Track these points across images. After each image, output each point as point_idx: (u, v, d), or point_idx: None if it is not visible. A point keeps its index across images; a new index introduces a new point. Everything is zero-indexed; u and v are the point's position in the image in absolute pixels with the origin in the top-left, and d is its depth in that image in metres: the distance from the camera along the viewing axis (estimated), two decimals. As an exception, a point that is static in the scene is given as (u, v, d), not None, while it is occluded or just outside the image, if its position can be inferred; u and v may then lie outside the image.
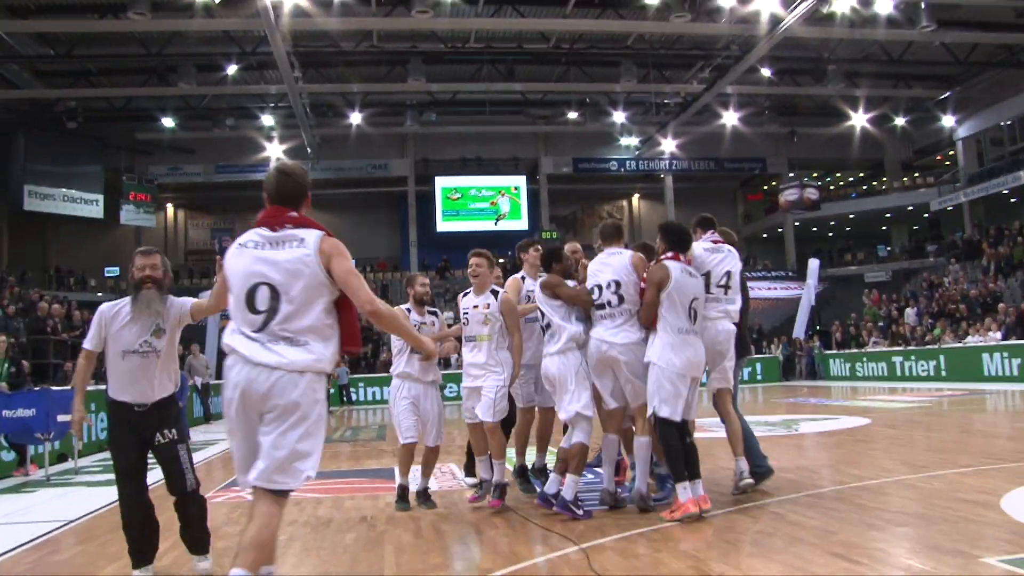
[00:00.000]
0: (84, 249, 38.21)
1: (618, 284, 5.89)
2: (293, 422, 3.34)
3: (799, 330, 30.61)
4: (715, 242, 6.52)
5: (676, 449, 5.47)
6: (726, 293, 6.34)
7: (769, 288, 37.12)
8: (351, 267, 3.60)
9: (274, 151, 36.88)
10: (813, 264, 31.05)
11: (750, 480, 6.07)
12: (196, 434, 16.39)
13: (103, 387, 13.14)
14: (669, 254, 5.92)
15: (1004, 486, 5.82)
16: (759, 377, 28.91)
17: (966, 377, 21.15)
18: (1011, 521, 4.77)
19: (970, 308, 25.94)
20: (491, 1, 26.23)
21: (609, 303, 5.88)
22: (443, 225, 39.52)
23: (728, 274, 6.35)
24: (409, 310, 6.71)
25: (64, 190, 34.62)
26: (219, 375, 24.43)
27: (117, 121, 34.55)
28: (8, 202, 33.90)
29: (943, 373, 22.54)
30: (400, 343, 6.49)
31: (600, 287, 5.93)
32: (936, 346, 23.88)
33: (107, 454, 11.61)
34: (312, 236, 3.57)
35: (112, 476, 4.61)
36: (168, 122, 33.72)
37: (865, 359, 26.40)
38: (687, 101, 33.08)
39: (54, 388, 10.75)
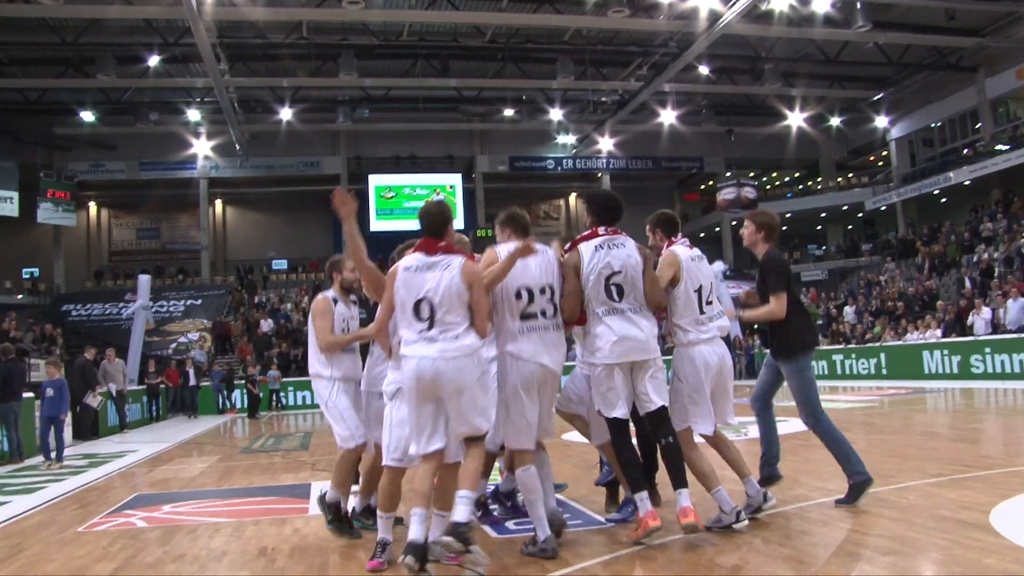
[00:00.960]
0: (1, 249, 36.38)
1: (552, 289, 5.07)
2: None
3: (735, 328, 30.35)
4: (690, 246, 5.62)
5: (628, 457, 4.98)
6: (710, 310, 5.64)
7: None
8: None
9: (201, 147, 35.74)
10: (717, 267, 30.91)
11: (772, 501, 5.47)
12: (109, 444, 15.39)
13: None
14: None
15: (987, 499, 5.27)
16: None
17: (907, 375, 21.10)
18: (1010, 546, 4.20)
19: (908, 306, 25.96)
20: (425, -7, 25.55)
21: (543, 312, 4.97)
22: (377, 224, 38.50)
23: (712, 287, 5.62)
24: (335, 300, 5.75)
25: (-25, 186, 32.84)
26: (141, 380, 23.69)
27: (32, 114, 32.84)
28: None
29: (884, 371, 22.45)
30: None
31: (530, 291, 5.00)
32: (878, 344, 23.77)
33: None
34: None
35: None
36: (88, 116, 32.26)
37: (804, 358, 26.22)
38: (624, 99, 32.74)
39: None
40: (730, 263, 37.54)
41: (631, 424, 5.19)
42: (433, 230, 4.77)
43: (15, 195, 33.88)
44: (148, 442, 15.40)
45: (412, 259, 4.72)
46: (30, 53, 28.46)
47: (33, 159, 34.75)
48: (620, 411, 4.95)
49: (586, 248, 5.10)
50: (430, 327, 4.54)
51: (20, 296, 35.04)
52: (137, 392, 21.63)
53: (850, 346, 24.88)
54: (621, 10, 24.55)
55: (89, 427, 16.55)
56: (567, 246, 5.30)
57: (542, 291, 4.97)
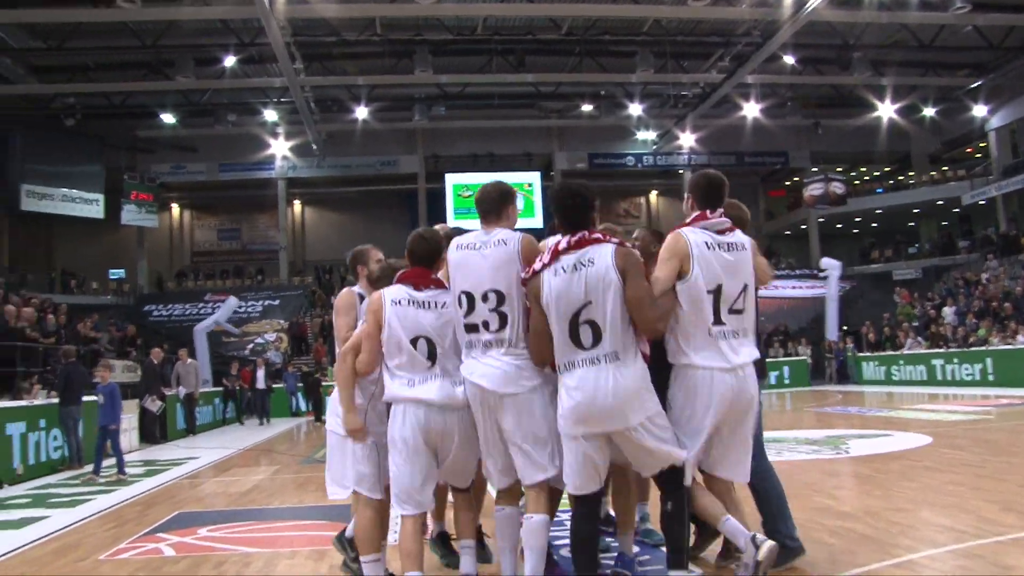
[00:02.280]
0: (89, 250, 37.29)
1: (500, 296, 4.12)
2: None
3: (831, 331, 29.08)
4: (722, 231, 4.24)
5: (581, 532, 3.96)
6: (742, 321, 4.21)
7: (793, 287, 35.59)
8: None
9: (279, 148, 35.89)
10: (832, 265, 29.63)
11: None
12: (174, 449, 15.18)
13: (53, 400, 12.05)
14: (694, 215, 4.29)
15: None
16: (786, 381, 27.37)
17: (1017, 382, 19.36)
18: None
19: (1016, 306, 24.29)
20: (499, -14, 24.98)
21: (486, 324, 4.11)
22: (454, 223, 38.03)
23: (744, 288, 4.21)
24: (361, 296, 4.90)
25: (63, 190, 33.51)
26: (217, 382, 23.68)
27: (116, 118, 33.38)
28: (6, 202, 32.92)
29: (990, 377, 20.82)
30: None
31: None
32: (983, 348, 22.23)
33: (42, 481, 10.72)
34: None
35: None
36: (168, 118, 32.60)
37: (902, 362, 24.74)
38: (706, 92, 31.63)
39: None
40: (817, 262, 36.05)
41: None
42: (425, 260, 4.34)
43: (101, 198, 34.52)
44: (212, 448, 15.16)
45: (400, 291, 4.28)
46: (113, 57, 28.82)
47: (117, 162, 35.34)
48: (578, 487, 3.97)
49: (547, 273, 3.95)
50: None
51: (108, 297, 35.78)
52: (209, 394, 21.55)
53: (951, 349, 23.36)
54: (702, -2, 23.61)
55: (156, 430, 16.38)
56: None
57: (484, 297, 4.08)
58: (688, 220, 4.25)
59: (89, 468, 11.59)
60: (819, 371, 28.50)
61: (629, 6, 25.62)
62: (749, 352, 4.15)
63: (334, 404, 4.55)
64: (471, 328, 4.10)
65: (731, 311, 4.11)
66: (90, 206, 34.31)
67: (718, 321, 4.07)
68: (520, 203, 40.71)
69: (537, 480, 4.05)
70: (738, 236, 4.25)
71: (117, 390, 11.42)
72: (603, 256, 3.86)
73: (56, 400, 11.92)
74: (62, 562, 5.75)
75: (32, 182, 32.49)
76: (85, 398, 12.52)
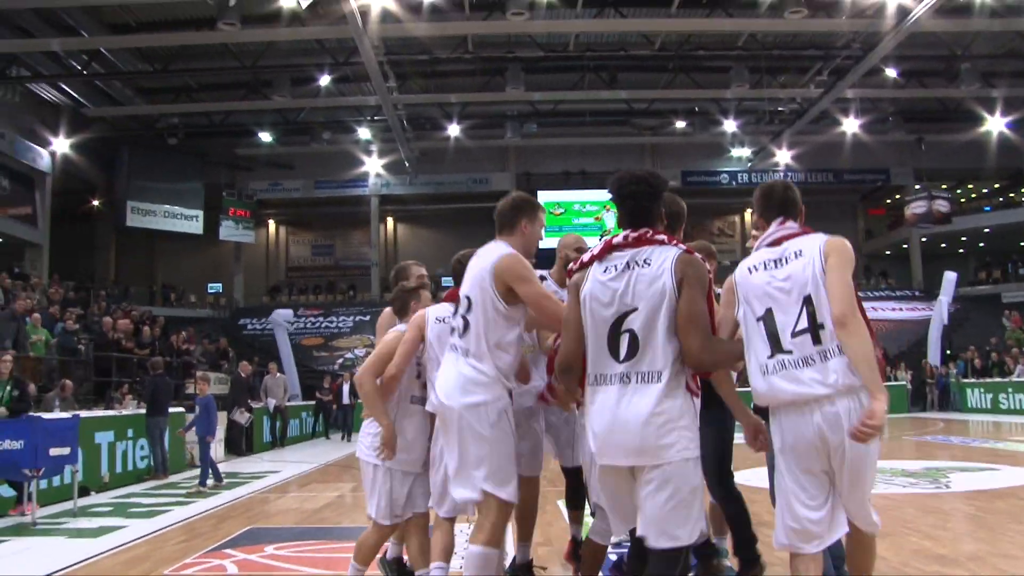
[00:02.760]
0: (188, 265, 38.49)
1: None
2: None
3: (933, 355, 27.80)
4: (778, 241, 3.58)
5: None
6: (816, 339, 3.33)
7: (894, 309, 34.28)
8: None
9: (373, 166, 36.42)
10: (949, 277, 28.21)
11: None
12: (258, 462, 15.33)
13: (141, 411, 12.28)
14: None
15: None
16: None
17: None
18: None
19: None
20: (590, 3, 24.77)
21: (455, 328, 4.05)
22: (546, 241, 37.52)
23: (807, 300, 3.38)
24: None
25: (165, 206, 34.72)
26: (306, 395, 23.96)
27: (217, 136, 34.45)
28: (113, 219, 34.29)
29: (1106, 408, 19.59)
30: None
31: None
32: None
33: (127, 490, 10.93)
34: None
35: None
36: (266, 136, 33.45)
37: (1011, 390, 23.39)
38: (803, 108, 30.78)
39: (45, 416, 9.58)
40: (919, 283, 34.70)
41: None
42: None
43: (200, 214, 35.63)
44: (296, 462, 15.25)
45: (444, 310, 4.35)
46: (214, 78, 29.79)
47: (217, 179, 36.45)
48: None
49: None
50: None
51: (205, 310, 36.86)
52: (296, 408, 21.79)
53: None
54: (799, 10, 22.86)
55: (241, 442, 16.60)
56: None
57: (461, 301, 4.04)
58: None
59: (176, 477, 11.83)
60: (919, 397, 27.24)
61: (723, 20, 25.12)
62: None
63: (363, 431, 4.56)
64: (452, 331, 4.06)
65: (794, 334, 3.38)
66: (190, 222, 35.43)
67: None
68: (612, 220, 40.42)
69: (444, 509, 4.12)
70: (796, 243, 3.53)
71: (213, 402, 11.64)
72: (662, 259, 3.31)
73: (144, 411, 12.15)
74: (132, 572, 5.73)
75: (137, 199, 33.79)
76: (173, 409, 12.79)
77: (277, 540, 6.88)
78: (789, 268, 3.43)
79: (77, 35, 24.66)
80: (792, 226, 3.61)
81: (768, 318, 3.40)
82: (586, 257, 3.49)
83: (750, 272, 3.54)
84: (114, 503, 9.62)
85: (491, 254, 4.01)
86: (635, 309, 3.29)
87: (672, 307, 3.26)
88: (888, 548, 5.73)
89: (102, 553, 6.60)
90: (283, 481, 11.96)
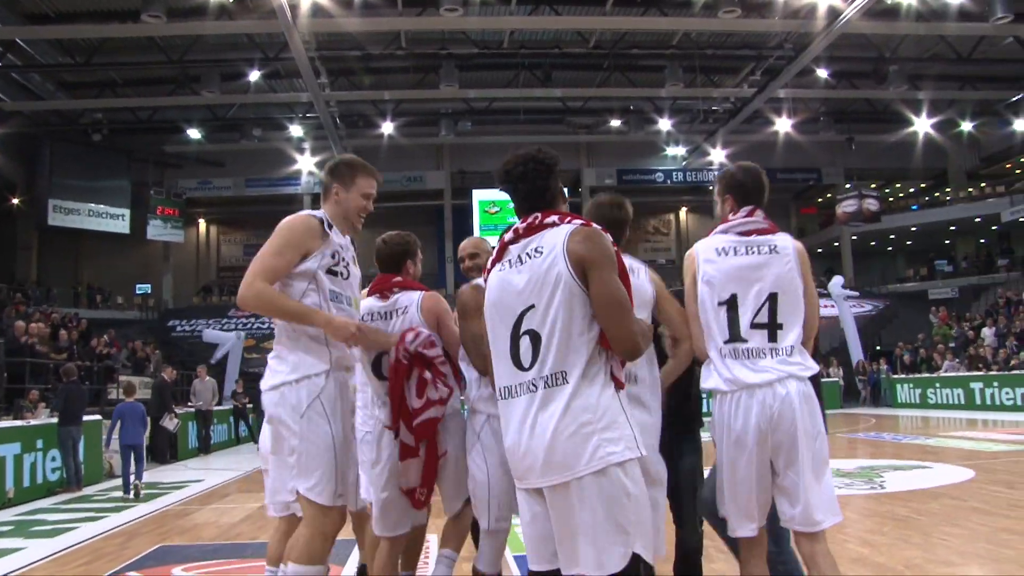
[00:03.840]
0: (116, 265, 37.32)
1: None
2: None
3: (855, 351, 28.21)
4: (748, 232, 3.51)
5: None
6: (772, 337, 3.39)
7: (825, 306, 34.72)
8: None
9: (305, 163, 35.72)
10: (835, 282, 28.93)
11: None
12: (180, 471, 14.81)
13: (53, 420, 11.70)
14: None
15: None
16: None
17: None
18: None
19: (1060, 329, 23.41)
20: (525, 0, 24.56)
21: None
22: (491, 240, 37.71)
23: (772, 298, 3.41)
24: None
25: (90, 204, 33.63)
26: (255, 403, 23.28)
27: (143, 133, 33.58)
28: (34, 217, 33.07)
29: (1034, 404, 19.96)
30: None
31: None
32: (1026, 372, 21.29)
33: (34, 505, 10.31)
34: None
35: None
36: (195, 133, 32.60)
37: (938, 385, 23.81)
38: (737, 107, 31.06)
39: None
40: (850, 280, 35.23)
41: None
42: (387, 265, 4.20)
43: (127, 212, 34.63)
44: (220, 469, 14.77)
45: (369, 305, 4.12)
46: (140, 73, 28.94)
47: (144, 177, 35.40)
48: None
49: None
50: None
51: (133, 312, 35.80)
52: (223, 412, 21.18)
53: (991, 373, 22.45)
54: (732, 10, 23.05)
55: (167, 449, 16.04)
56: None
57: None
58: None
59: (90, 490, 11.35)
60: (851, 393, 27.64)
61: (658, 19, 25.11)
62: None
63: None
64: None
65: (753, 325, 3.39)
66: (116, 221, 34.41)
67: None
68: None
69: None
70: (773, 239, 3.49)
71: (141, 408, 11.36)
72: (552, 243, 2.81)
73: (55, 420, 11.58)
74: None
75: (60, 197, 32.66)
76: (90, 417, 12.26)
77: (186, 560, 6.48)
78: (762, 261, 3.40)
79: (-10, 25, 23.68)
80: (761, 218, 3.53)
81: (731, 304, 3.37)
82: (488, 264, 3.04)
83: (719, 254, 3.44)
84: (16, 521, 9.05)
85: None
86: (532, 306, 2.80)
87: (571, 296, 2.75)
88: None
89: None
90: (204, 491, 11.47)
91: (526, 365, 2.79)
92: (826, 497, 3.37)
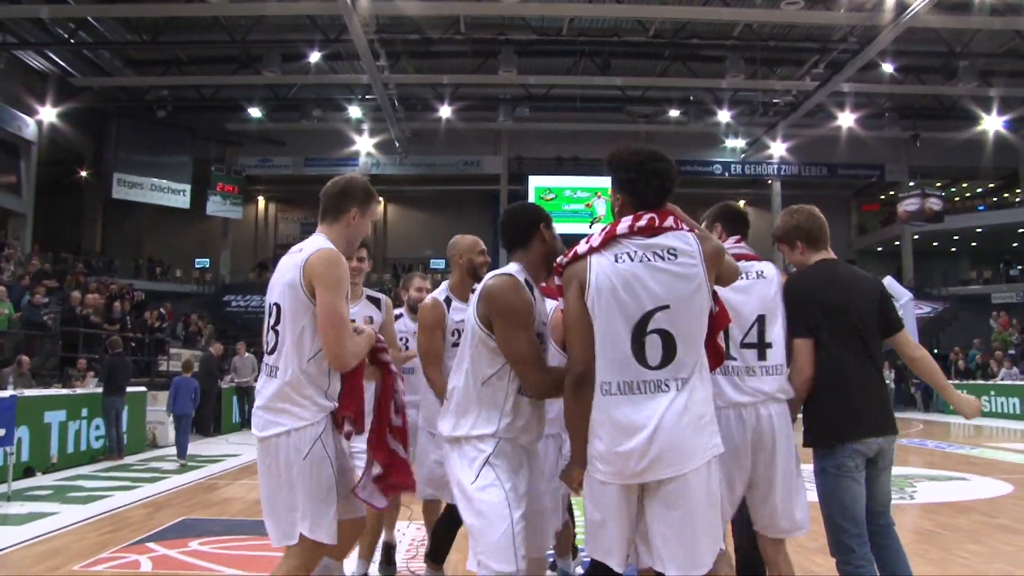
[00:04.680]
0: (176, 239, 38.12)
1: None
2: None
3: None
4: (737, 257, 3.63)
5: None
6: (762, 356, 3.64)
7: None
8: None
9: (363, 145, 36.06)
10: (888, 281, 28.08)
11: None
12: (220, 444, 15.11)
13: (99, 390, 12.04)
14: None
15: None
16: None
17: None
18: None
19: None
20: (585, -13, 24.46)
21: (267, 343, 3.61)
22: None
23: (761, 319, 3.68)
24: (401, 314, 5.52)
25: (153, 179, 34.31)
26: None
27: (206, 111, 34.11)
28: (99, 190, 33.95)
29: (1091, 415, 19.34)
30: None
31: None
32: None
33: (76, 471, 10.67)
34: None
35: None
36: (255, 112, 33.06)
37: (993, 393, 23.18)
38: (798, 100, 30.47)
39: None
40: (910, 281, 34.42)
41: None
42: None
43: (188, 188, 35.26)
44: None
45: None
46: (205, 52, 29.42)
47: (206, 154, 36.06)
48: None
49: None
50: None
51: (191, 286, 36.57)
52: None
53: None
54: (796, 2, 22.75)
55: (211, 423, 16.39)
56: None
57: (269, 310, 3.48)
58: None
59: (131, 459, 11.68)
60: (902, 397, 27.05)
61: (719, 9, 24.82)
62: None
63: None
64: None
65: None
66: (177, 196, 35.08)
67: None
68: (603, 207, 40.03)
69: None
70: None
71: (194, 383, 12.12)
72: (688, 246, 2.98)
73: (98, 388, 11.94)
74: (37, 569, 5.51)
75: (124, 171, 33.36)
76: (134, 389, 12.60)
77: (206, 534, 6.65)
78: (750, 284, 3.66)
79: (64, 3, 24.28)
80: (746, 247, 3.86)
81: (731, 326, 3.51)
82: (582, 248, 3.05)
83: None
84: (55, 486, 9.38)
85: (301, 250, 3.40)
86: (666, 306, 2.92)
87: (704, 299, 2.98)
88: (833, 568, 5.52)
89: (20, 543, 6.38)
90: (238, 466, 11.71)
91: (654, 364, 2.89)
92: (794, 509, 3.58)
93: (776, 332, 3.65)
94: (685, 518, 2.84)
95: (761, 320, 3.64)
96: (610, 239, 2.99)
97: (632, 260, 2.94)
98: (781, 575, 3.58)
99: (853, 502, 3.54)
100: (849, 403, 3.58)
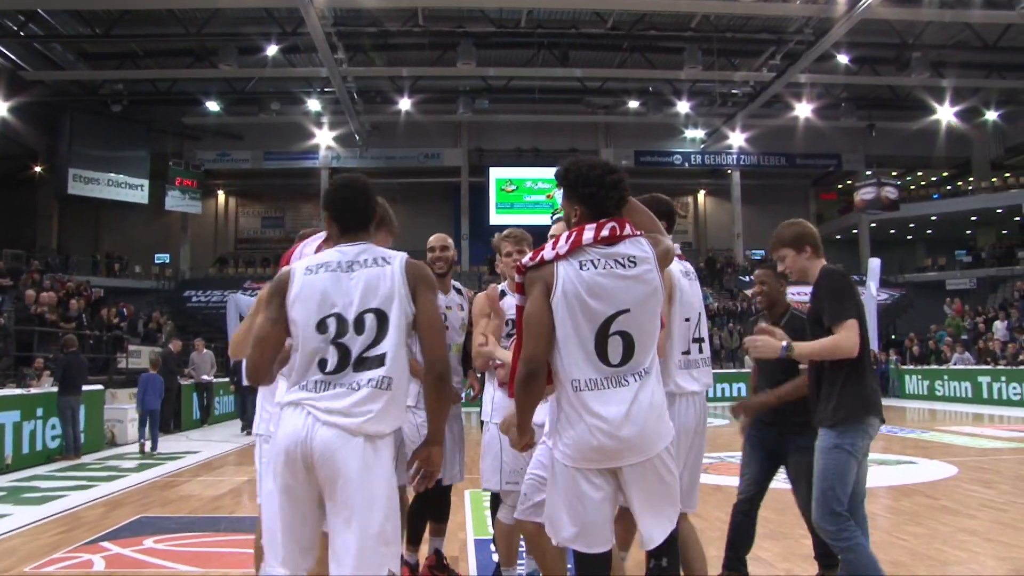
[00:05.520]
0: (135, 234, 37.68)
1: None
2: None
3: (872, 340, 28.03)
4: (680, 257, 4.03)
5: None
6: (701, 350, 4.07)
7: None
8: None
9: (323, 138, 35.86)
10: (873, 265, 28.53)
11: None
12: (180, 441, 15.03)
13: (54, 389, 11.92)
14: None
15: None
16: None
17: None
18: None
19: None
20: (543, -22, 24.50)
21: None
22: (496, 218, 37.68)
23: (700, 316, 4.10)
24: None
25: (109, 174, 33.86)
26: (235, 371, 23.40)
27: (163, 104, 33.70)
28: (55, 186, 33.43)
29: (1041, 398, 19.78)
30: None
31: None
32: (1032, 366, 21.11)
33: (31, 472, 10.55)
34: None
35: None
36: (213, 106, 32.69)
37: (946, 377, 23.62)
38: (756, 91, 30.75)
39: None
40: (866, 267, 34.94)
41: None
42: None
43: (146, 183, 34.84)
44: (220, 441, 14.95)
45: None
46: (160, 45, 29.03)
47: (163, 148, 35.60)
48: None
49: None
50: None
51: (150, 281, 36.14)
52: (224, 384, 21.32)
53: (999, 367, 22.30)
54: (752, -7, 22.95)
55: (171, 419, 16.26)
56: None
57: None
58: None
59: (88, 458, 11.59)
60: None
61: (677, 0, 24.97)
62: None
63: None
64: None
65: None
66: (135, 191, 34.67)
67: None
68: (560, 197, 39.96)
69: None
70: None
71: (160, 380, 12.96)
72: (644, 253, 3.17)
73: (53, 388, 11.82)
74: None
75: (79, 166, 32.87)
76: (92, 388, 12.49)
77: (161, 531, 6.63)
78: (695, 286, 4.09)
79: (12, -6, 23.86)
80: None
81: (688, 322, 3.95)
82: (548, 254, 3.16)
83: (685, 277, 4.01)
84: (10, 487, 9.27)
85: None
86: (627, 310, 3.11)
87: (658, 303, 3.22)
88: (780, 550, 5.66)
89: (-27, 545, 6.31)
90: (197, 463, 11.66)
91: (615, 362, 3.11)
92: (694, 488, 4.01)
93: (704, 329, 4.09)
94: (654, 494, 3.14)
95: (700, 317, 4.07)
96: (576, 248, 3.13)
97: (595, 268, 3.12)
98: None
99: (852, 481, 3.83)
100: (875, 384, 3.96)
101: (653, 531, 3.14)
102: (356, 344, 2.91)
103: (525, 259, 3.24)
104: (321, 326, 2.92)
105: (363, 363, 2.90)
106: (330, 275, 2.98)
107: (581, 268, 3.11)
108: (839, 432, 3.80)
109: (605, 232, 3.13)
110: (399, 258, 3.05)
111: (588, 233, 3.14)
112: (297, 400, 2.88)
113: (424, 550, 4.98)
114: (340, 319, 2.92)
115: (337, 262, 3.01)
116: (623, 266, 3.12)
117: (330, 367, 2.90)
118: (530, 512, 3.79)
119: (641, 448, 3.07)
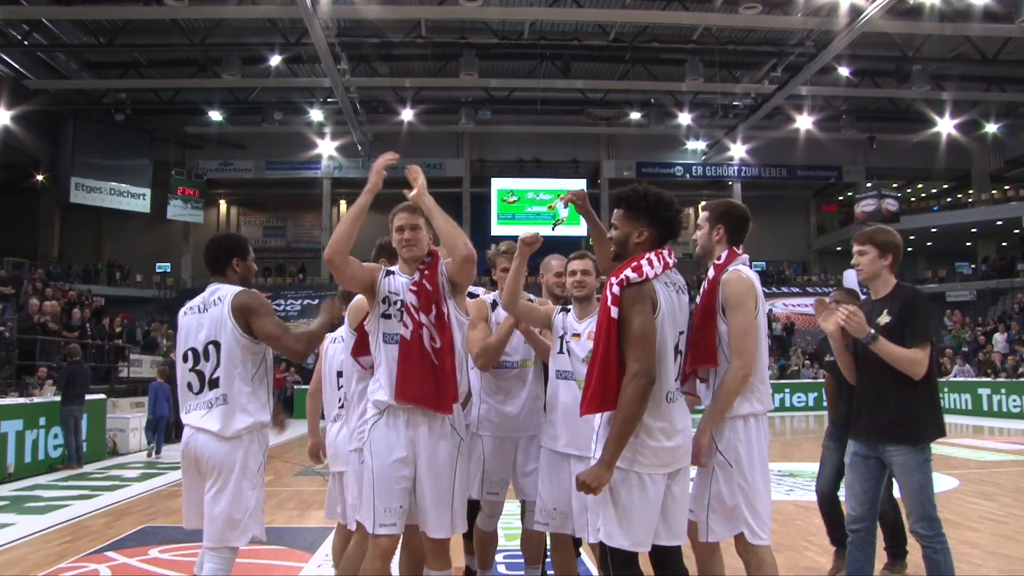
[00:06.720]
0: (137, 243, 37.76)
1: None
2: None
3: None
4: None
5: None
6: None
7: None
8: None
9: (325, 148, 35.99)
10: (848, 276, 28.62)
11: None
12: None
13: (57, 398, 11.94)
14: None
15: None
16: (824, 405, 26.39)
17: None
18: None
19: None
20: (546, -9, 24.62)
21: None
22: (498, 229, 37.76)
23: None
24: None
25: (111, 183, 33.95)
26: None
27: (165, 114, 33.77)
28: (56, 195, 33.52)
29: (1041, 411, 19.81)
30: None
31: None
32: (1033, 379, 21.16)
33: (33, 481, 10.58)
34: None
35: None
36: (216, 115, 32.77)
37: (946, 390, 23.63)
38: (757, 103, 30.86)
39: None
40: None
41: None
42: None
43: (148, 192, 34.94)
44: (225, 450, 14.93)
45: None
46: (163, 54, 29.10)
47: (166, 157, 35.73)
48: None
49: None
50: None
51: (151, 290, 36.20)
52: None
53: (999, 379, 22.31)
54: (753, 6, 23.12)
55: (173, 429, 16.26)
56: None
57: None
58: (724, 259, 3.98)
59: (90, 467, 11.61)
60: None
61: (679, 13, 25.05)
62: None
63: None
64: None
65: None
66: (137, 200, 34.75)
67: None
68: (566, 210, 40.05)
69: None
70: None
71: (167, 388, 13.47)
72: (681, 281, 3.51)
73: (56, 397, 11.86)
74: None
75: (82, 175, 32.98)
76: (95, 397, 12.51)
77: (166, 541, 6.66)
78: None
79: (16, 3, 23.93)
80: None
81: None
82: (651, 272, 3.32)
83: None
84: (12, 496, 9.30)
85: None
86: (682, 332, 3.50)
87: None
88: (783, 561, 5.66)
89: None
90: (202, 473, 11.67)
91: (676, 377, 3.45)
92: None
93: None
94: (687, 495, 3.54)
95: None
96: (666, 269, 3.40)
97: (669, 289, 3.40)
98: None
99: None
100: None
101: (679, 531, 3.45)
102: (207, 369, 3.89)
103: (629, 273, 3.30)
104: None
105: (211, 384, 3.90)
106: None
107: (667, 288, 3.39)
108: (925, 447, 4.09)
109: (672, 259, 3.43)
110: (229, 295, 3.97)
111: (669, 258, 3.43)
112: None
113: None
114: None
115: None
116: (680, 291, 3.45)
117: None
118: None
119: (690, 453, 3.50)
